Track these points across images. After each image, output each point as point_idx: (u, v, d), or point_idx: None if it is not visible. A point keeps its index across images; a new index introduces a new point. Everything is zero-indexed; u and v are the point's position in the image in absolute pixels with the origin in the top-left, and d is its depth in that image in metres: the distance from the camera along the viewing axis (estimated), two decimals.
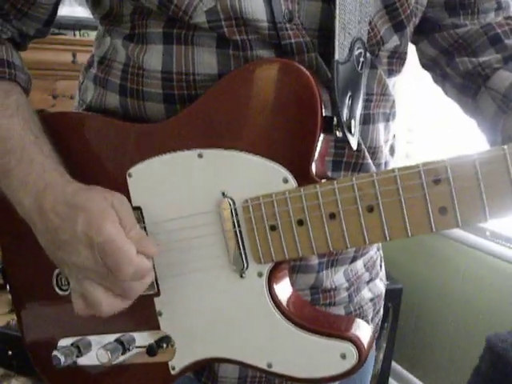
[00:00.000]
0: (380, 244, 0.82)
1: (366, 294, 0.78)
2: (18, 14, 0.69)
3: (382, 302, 0.83)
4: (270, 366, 0.62)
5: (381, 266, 0.83)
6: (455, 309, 2.00)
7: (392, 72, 0.71)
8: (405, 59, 0.72)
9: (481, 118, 0.75)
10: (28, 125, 0.64)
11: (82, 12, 2.87)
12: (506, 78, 0.70)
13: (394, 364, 2.18)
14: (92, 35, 2.79)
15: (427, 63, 0.81)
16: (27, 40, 0.74)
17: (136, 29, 0.65)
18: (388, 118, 0.72)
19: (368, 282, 0.79)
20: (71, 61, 2.64)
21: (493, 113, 0.71)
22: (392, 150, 0.75)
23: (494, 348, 1.44)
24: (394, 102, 0.73)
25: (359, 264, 0.76)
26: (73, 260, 0.58)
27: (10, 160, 0.62)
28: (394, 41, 0.68)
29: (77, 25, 2.85)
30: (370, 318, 0.78)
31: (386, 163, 0.73)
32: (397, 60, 0.71)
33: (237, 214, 0.60)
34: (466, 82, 0.75)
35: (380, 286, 0.82)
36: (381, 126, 0.71)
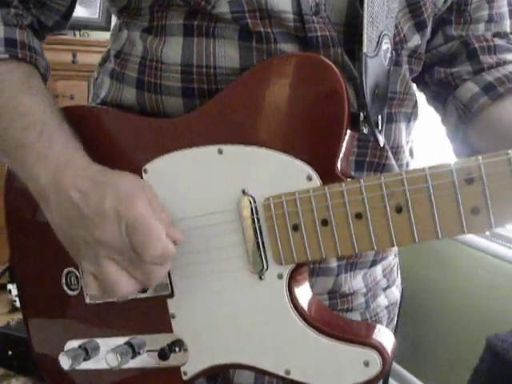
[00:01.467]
0: (397, 250, 0.80)
1: (383, 300, 0.76)
2: (37, 3, 0.68)
3: (397, 310, 0.81)
4: (288, 372, 0.59)
5: (397, 273, 0.81)
6: (455, 309, 1.99)
7: (412, 71, 0.70)
8: (422, 59, 0.71)
9: (446, 126, 0.76)
10: (51, 106, 0.62)
11: (82, 12, 2.89)
12: (470, 90, 0.71)
13: (394, 364, 2.16)
14: (92, 35, 2.79)
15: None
16: (45, 31, 0.73)
17: (155, 21, 0.63)
18: (410, 118, 0.71)
19: (385, 289, 0.77)
20: (71, 61, 2.64)
21: (454, 122, 0.73)
22: (411, 152, 0.74)
23: (494, 348, 1.43)
24: (416, 102, 0.71)
25: (378, 270, 0.74)
26: (96, 236, 0.56)
27: (31, 133, 0.59)
28: (415, 40, 0.67)
29: (77, 25, 2.87)
30: (384, 325, 0.76)
31: (407, 164, 0.71)
32: (415, 60, 0.70)
33: (257, 213, 0.58)
34: (439, 90, 0.76)
35: (396, 293, 0.80)
36: (403, 125, 0.69)
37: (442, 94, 0.76)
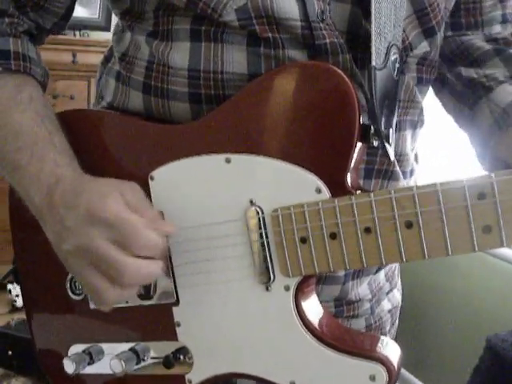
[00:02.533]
0: None
1: (386, 305, 0.76)
2: (34, 6, 0.67)
3: (398, 313, 0.81)
4: None
5: (398, 276, 0.81)
6: (455, 309, 1.98)
7: (421, 80, 0.68)
8: (435, 67, 0.70)
9: (474, 130, 0.72)
10: (41, 119, 0.62)
11: (82, 12, 2.87)
12: (510, 93, 0.67)
13: None
14: (92, 35, 2.79)
15: None
16: (44, 33, 0.72)
17: (160, 25, 0.62)
18: (416, 126, 0.70)
19: (388, 293, 0.77)
20: (71, 61, 2.64)
21: (488, 126, 0.68)
22: (416, 158, 0.73)
23: (494, 348, 1.43)
24: (422, 109, 0.70)
25: (381, 274, 0.74)
26: (74, 246, 0.55)
27: (23, 156, 0.60)
28: (423, 47, 0.65)
29: (77, 25, 2.87)
30: (387, 329, 0.76)
31: (411, 171, 0.71)
32: (427, 68, 0.68)
33: (265, 224, 0.57)
34: (466, 90, 0.73)
35: (397, 296, 0.80)
36: (408, 133, 0.68)
37: (468, 96, 0.72)
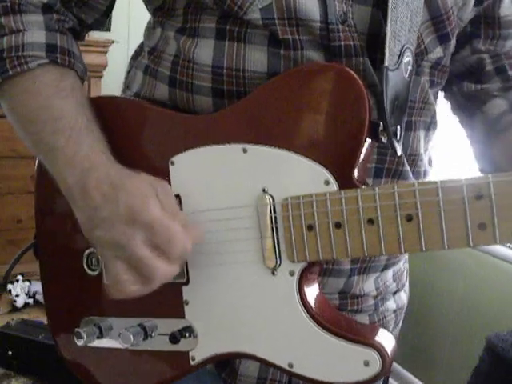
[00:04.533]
0: (407, 256, 0.83)
1: (391, 304, 0.79)
2: (79, 2, 0.72)
3: (403, 315, 0.83)
4: (291, 366, 0.62)
5: (406, 278, 0.84)
6: (455, 309, 1.99)
7: (433, 83, 0.72)
8: (446, 72, 0.74)
9: (472, 138, 0.80)
10: (81, 107, 0.66)
11: None
12: (499, 106, 0.74)
13: (394, 364, 2.13)
14: (92, 35, 2.78)
15: None
16: (85, 30, 0.77)
17: (188, 23, 0.67)
18: (429, 127, 0.73)
19: (394, 293, 0.79)
20: None
21: (482, 136, 0.76)
22: (430, 161, 0.77)
23: (494, 348, 1.44)
24: (435, 111, 0.74)
25: (389, 274, 0.77)
26: (108, 238, 0.59)
27: (60, 138, 0.63)
28: (437, 52, 0.69)
29: None
30: (390, 329, 0.78)
31: (424, 172, 0.74)
32: (439, 72, 0.72)
33: (275, 211, 0.61)
34: (466, 103, 0.79)
35: (403, 298, 0.83)
36: (421, 134, 0.72)
37: (469, 108, 0.79)
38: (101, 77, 2.63)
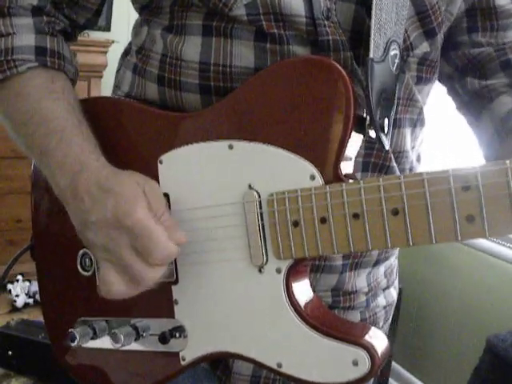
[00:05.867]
0: (397, 252, 0.81)
1: (381, 300, 0.78)
2: (70, 2, 0.72)
3: (392, 311, 0.82)
4: (279, 365, 0.61)
5: (396, 274, 0.83)
6: (455, 309, 1.98)
7: (421, 79, 0.71)
8: (436, 67, 0.72)
9: (480, 138, 0.76)
10: (72, 108, 0.66)
11: None
12: (507, 103, 0.71)
13: (394, 364, 2.16)
14: (92, 35, 2.77)
15: (442, 78, 0.81)
16: (77, 30, 0.77)
17: (175, 20, 0.67)
18: (415, 124, 0.72)
19: (384, 289, 0.78)
20: None
21: (490, 135, 0.73)
22: (419, 158, 0.75)
23: (494, 348, 1.43)
24: (421, 108, 0.72)
25: (381, 269, 0.76)
26: (97, 241, 0.59)
27: (51, 141, 0.64)
28: (423, 47, 0.68)
29: None
30: (380, 325, 0.78)
31: (411, 169, 0.73)
32: (427, 68, 0.71)
33: (261, 207, 0.60)
34: (472, 101, 0.76)
35: (393, 294, 0.82)
36: (407, 131, 0.70)
37: (475, 106, 0.76)
38: (101, 77, 2.64)
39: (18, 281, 2.55)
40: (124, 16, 2.57)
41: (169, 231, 0.58)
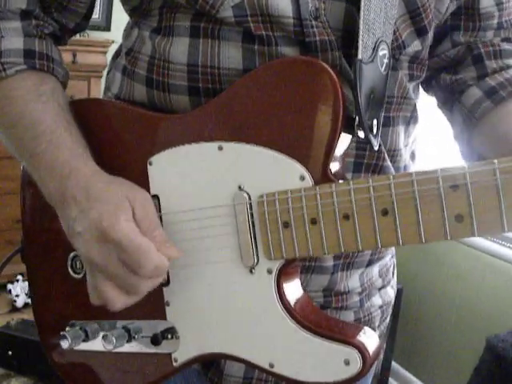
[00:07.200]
0: (394, 251, 0.81)
1: (377, 300, 0.77)
2: (58, 6, 0.72)
3: (390, 310, 0.82)
4: (271, 366, 0.61)
5: (393, 274, 0.83)
6: (455, 309, 1.98)
7: (412, 77, 0.71)
8: (425, 65, 0.73)
9: (454, 131, 0.79)
10: (61, 111, 0.66)
11: None
12: (474, 95, 0.73)
13: (393, 364, 2.17)
14: (92, 35, 2.78)
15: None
16: (67, 34, 0.77)
17: (163, 22, 0.66)
18: (409, 122, 0.72)
19: (380, 289, 0.78)
20: (71, 61, 2.61)
21: (459, 127, 0.75)
22: (413, 155, 0.75)
23: (493, 348, 1.43)
24: (415, 106, 0.73)
25: (375, 270, 0.75)
26: (83, 253, 0.59)
27: (41, 143, 0.63)
28: (415, 46, 0.68)
29: None
30: (376, 324, 0.77)
31: (405, 167, 0.73)
32: (417, 65, 0.71)
33: (251, 209, 0.60)
34: (446, 96, 0.78)
35: (390, 293, 0.81)
36: (401, 129, 0.70)
37: (449, 100, 0.78)
38: (101, 77, 2.64)
39: (18, 281, 2.55)
40: (124, 16, 2.57)
41: (161, 246, 0.58)
